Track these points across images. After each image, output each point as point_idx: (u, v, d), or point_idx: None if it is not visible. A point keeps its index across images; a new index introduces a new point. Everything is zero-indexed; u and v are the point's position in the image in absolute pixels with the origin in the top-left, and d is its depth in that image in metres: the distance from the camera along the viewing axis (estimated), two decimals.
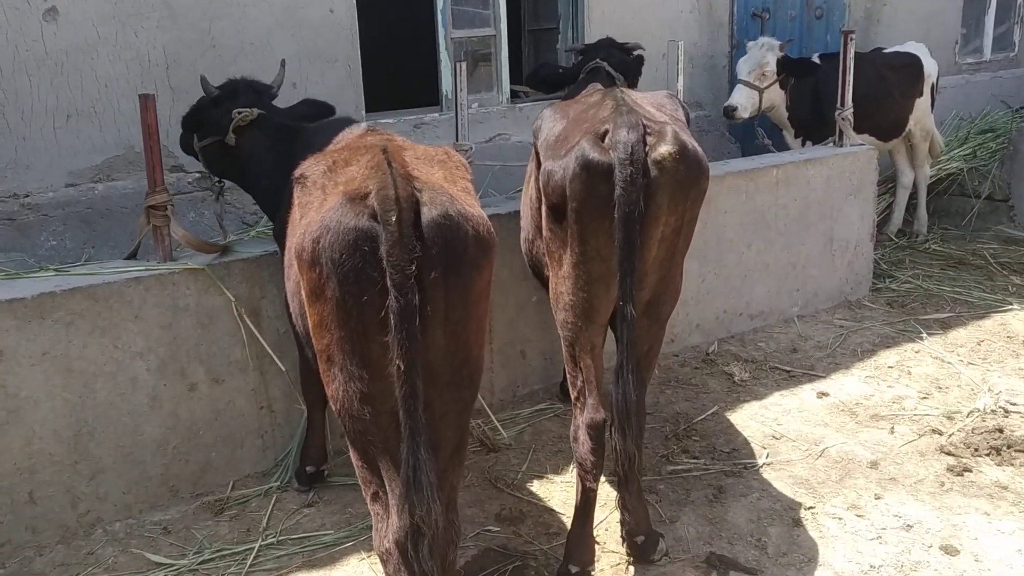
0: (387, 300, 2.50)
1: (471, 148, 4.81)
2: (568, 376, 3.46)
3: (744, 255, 5.88)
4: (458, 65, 4.62)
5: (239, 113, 4.15)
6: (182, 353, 4.06)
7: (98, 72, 4.98)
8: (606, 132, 3.16)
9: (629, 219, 3.02)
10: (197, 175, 5.30)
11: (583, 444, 3.33)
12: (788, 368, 5.48)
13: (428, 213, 2.60)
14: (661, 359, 5.57)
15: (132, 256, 4.19)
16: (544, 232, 3.43)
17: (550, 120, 3.54)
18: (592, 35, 6.80)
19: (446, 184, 2.80)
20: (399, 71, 8.50)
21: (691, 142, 3.24)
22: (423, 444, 2.57)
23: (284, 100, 5.40)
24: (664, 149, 3.12)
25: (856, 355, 5.64)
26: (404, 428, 2.55)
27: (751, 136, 7.45)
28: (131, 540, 3.90)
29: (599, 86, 3.70)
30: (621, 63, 5.28)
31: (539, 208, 3.50)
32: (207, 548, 3.82)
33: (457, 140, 4.81)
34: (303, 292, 2.75)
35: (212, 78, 5.25)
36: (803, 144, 7.10)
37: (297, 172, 2.96)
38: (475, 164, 5.00)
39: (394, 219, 2.52)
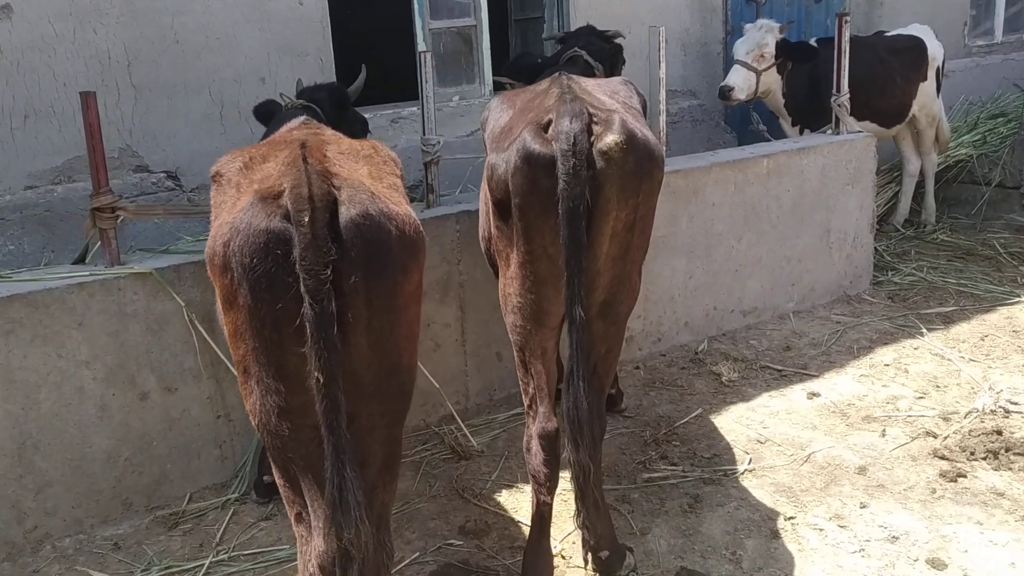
0: (302, 308, 2.32)
1: (438, 142, 4.61)
2: (520, 383, 3.26)
3: (735, 249, 5.65)
4: (422, 56, 4.42)
5: None
6: (131, 361, 3.90)
7: (56, 71, 4.83)
8: (549, 122, 2.95)
9: (574, 215, 2.82)
10: (162, 174, 5.15)
11: (535, 455, 3.13)
12: (780, 367, 5.25)
13: (346, 212, 2.41)
14: (648, 359, 5.39)
15: (80, 260, 4.04)
16: (492, 230, 3.23)
17: (497, 110, 3.34)
18: (577, 22, 6.57)
19: (371, 181, 2.61)
20: (382, 64, 8.29)
21: (642, 130, 3.02)
22: (348, 461, 2.38)
23: (253, 95, 5.28)
24: (610, 139, 2.90)
25: (852, 352, 5.39)
26: (327, 444, 2.37)
27: (748, 124, 7.19)
28: (79, 557, 3.75)
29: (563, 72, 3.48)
30: (599, 51, 5.07)
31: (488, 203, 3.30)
32: (156, 565, 3.66)
33: (424, 134, 4.62)
34: (218, 299, 2.57)
35: (177, 74, 5.14)
36: (801, 133, 6.84)
37: (213, 169, 2.77)
38: (446, 159, 4.83)
39: (307, 219, 2.33)
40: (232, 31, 5.28)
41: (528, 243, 3.01)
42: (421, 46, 6.01)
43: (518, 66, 5.28)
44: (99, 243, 3.94)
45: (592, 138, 2.89)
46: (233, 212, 2.47)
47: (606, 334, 3.20)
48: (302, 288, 2.30)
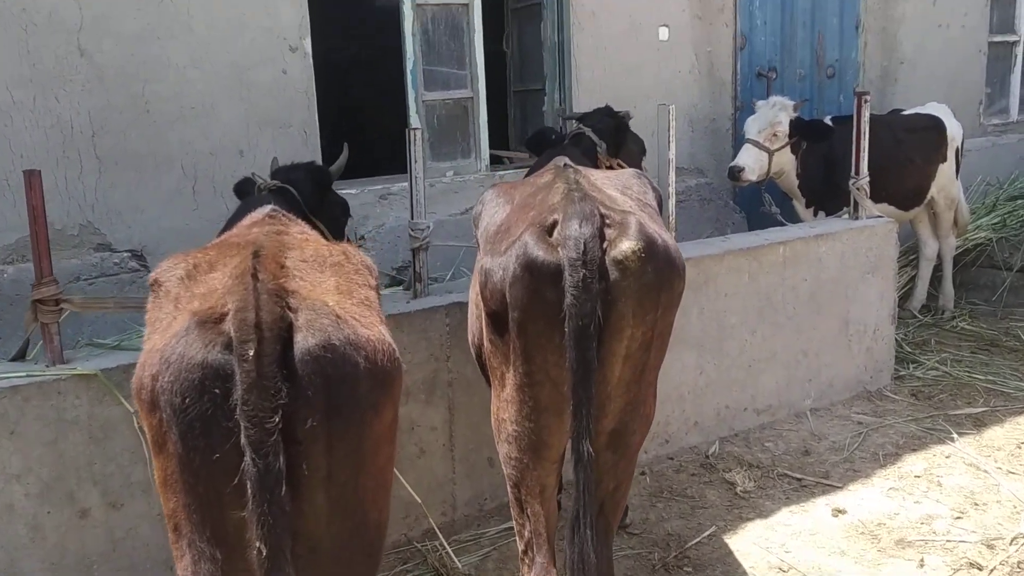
0: (243, 462, 1.87)
1: (428, 227, 4.19)
2: (514, 523, 2.78)
3: (748, 343, 5.21)
4: (411, 133, 4.02)
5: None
6: (70, 474, 3.42)
7: (12, 141, 4.42)
8: (555, 223, 2.52)
9: (583, 334, 2.38)
10: (126, 254, 4.72)
11: None
12: (799, 476, 4.77)
13: (303, 342, 1.96)
14: (654, 464, 4.92)
15: (20, 356, 3.59)
16: (484, 343, 2.78)
17: (492, 205, 2.92)
18: (580, 97, 6.26)
19: (338, 297, 2.17)
20: (372, 137, 7.96)
21: (662, 235, 2.60)
22: None
23: (230, 169, 4.89)
24: (627, 246, 2.47)
25: (877, 460, 4.91)
26: None
27: (758, 204, 6.81)
28: None
29: (565, 160, 3.07)
30: (604, 128, 4.70)
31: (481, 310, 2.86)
32: None
33: (412, 218, 4.20)
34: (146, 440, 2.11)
35: (146, 145, 4.74)
36: (815, 215, 6.47)
37: (152, 276, 2.33)
38: (435, 245, 4.42)
39: (251, 353, 1.88)
40: (209, 101, 4.90)
41: (528, 364, 2.56)
42: (414, 120, 5.64)
43: (536, 140, 4.90)
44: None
45: (605, 244, 2.46)
46: (166, 336, 2.02)
47: (615, 468, 2.74)
48: (243, 439, 1.85)
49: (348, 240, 4.19)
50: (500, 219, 2.79)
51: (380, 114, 8.27)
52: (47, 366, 3.47)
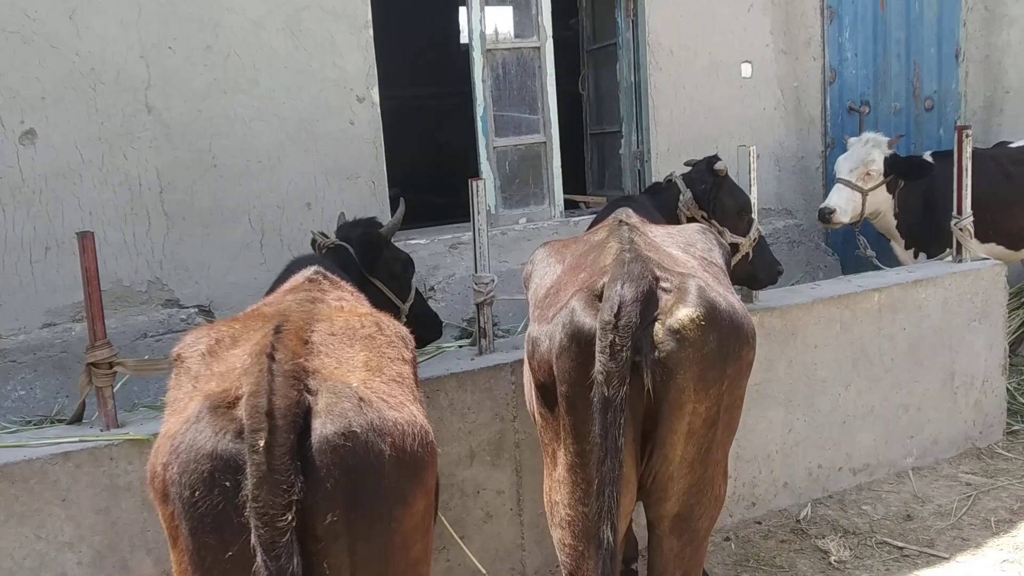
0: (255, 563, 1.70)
1: (492, 280, 4.02)
2: None
3: (841, 397, 4.85)
4: (473, 184, 3.87)
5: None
6: (123, 542, 3.33)
7: (81, 199, 4.46)
8: (604, 287, 2.30)
9: (608, 405, 2.16)
10: (193, 309, 4.69)
11: None
12: (900, 544, 4.37)
13: (321, 429, 1.80)
14: (740, 528, 4.60)
15: (76, 420, 3.54)
16: (536, 418, 2.57)
17: (542, 265, 2.72)
18: (658, 138, 6.04)
19: (365, 375, 1.99)
20: (445, 184, 7.89)
21: (727, 297, 2.36)
22: None
23: (297, 222, 4.84)
24: (684, 313, 2.24)
25: (988, 527, 4.48)
26: None
27: (853, 247, 6.43)
28: None
29: (626, 211, 2.86)
30: (693, 174, 4.47)
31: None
32: None
33: (476, 271, 4.04)
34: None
35: (213, 200, 4.73)
36: (915, 257, 6.07)
37: (175, 351, 2.20)
38: (501, 299, 4.24)
39: (262, 444, 1.72)
40: (276, 153, 4.87)
41: (579, 442, 2.35)
42: (484, 167, 5.51)
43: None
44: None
45: (658, 312, 2.23)
46: (179, 420, 1.88)
47: (682, 555, 2.48)
48: (253, 539, 1.68)
49: (418, 293, 4.05)
50: (550, 281, 2.59)
51: (462, 158, 8.22)
52: (101, 430, 3.41)
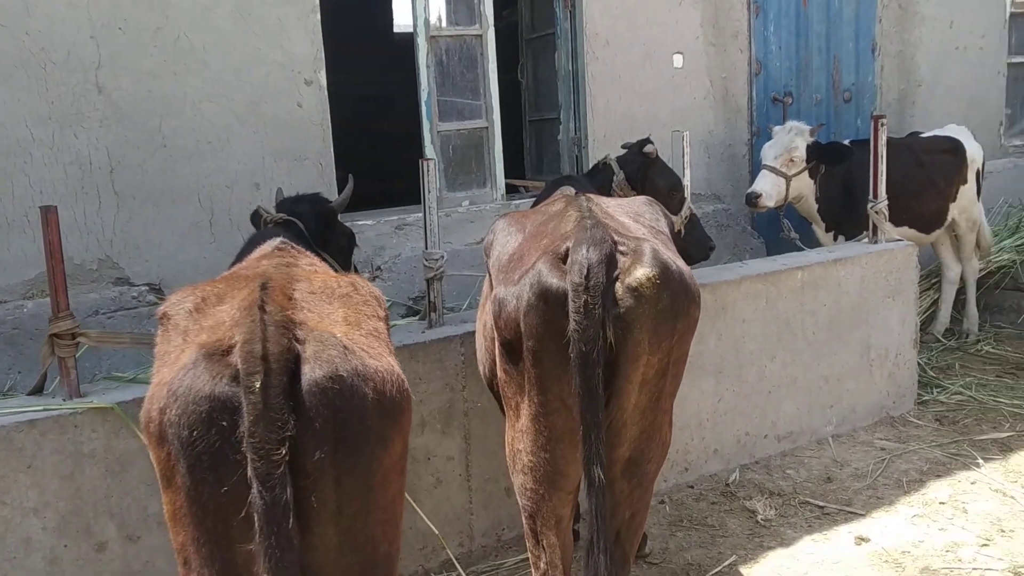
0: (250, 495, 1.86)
1: (442, 256, 4.20)
2: (529, 555, 2.75)
3: (767, 369, 5.16)
4: (424, 164, 4.04)
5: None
6: (87, 507, 3.42)
7: (31, 177, 4.48)
8: (568, 251, 2.52)
9: (587, 360, 2.37)
10: (144, 287, 4.75)
11: None
12: (821, 503, 4.69)
13: (311, 373, 1.96)
14: (674, 492, 4.86)
15: (37, 391, 3.60)
16: (499, 373, 2.77)
17: (504, 234, 2.91)
18: (595, 125, 6.27)
19: (346, 328, 2.17)
20: (390, 167, 8.02)
21: (676, 262, 2.59)
22: None
23: (246, 202, 4.93)
24: (641, 273, 2.46)
25: (901, 486, 4.83)
26: None
27: (777, 230, 6.78)
28: None
29: (571, 189, 3.07)
30: (626, 158, 4.70)
31: (493, 339, 2.85)
32: None
33: (427, 248, 4.21)
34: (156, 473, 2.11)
35: (163, 180, 4.80)
36: (835, 239, 6.42)
37: (160, 310, 2.34)
38: (450, 275, 4.42)
39: (258, 385, 1.88)
40: (225, 134, 4.95)
41: (543, 393, 2.55)
42: (429, 151, 5.67)
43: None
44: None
45: (617, 271, 2.45)
46: (174, 369, 2.02)
47: (631, 496, 2.71)
48: (250, 471, 1.84)
49: (355, 270, 4.20)
50: (512, 248, 2.79)
51: (403, 144, 8.33)
52: (64, 400, 3.48)
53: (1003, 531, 4.32)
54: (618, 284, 2.46)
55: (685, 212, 4.47)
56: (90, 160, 4.61)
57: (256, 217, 3.84)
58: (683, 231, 4.37)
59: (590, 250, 2.43)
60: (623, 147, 4.89)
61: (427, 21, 5.68)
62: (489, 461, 4.29)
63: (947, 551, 4.16)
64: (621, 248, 2.53)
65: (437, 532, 3.90)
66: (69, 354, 3.48)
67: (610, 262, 2.45)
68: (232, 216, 4.95)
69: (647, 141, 4.73)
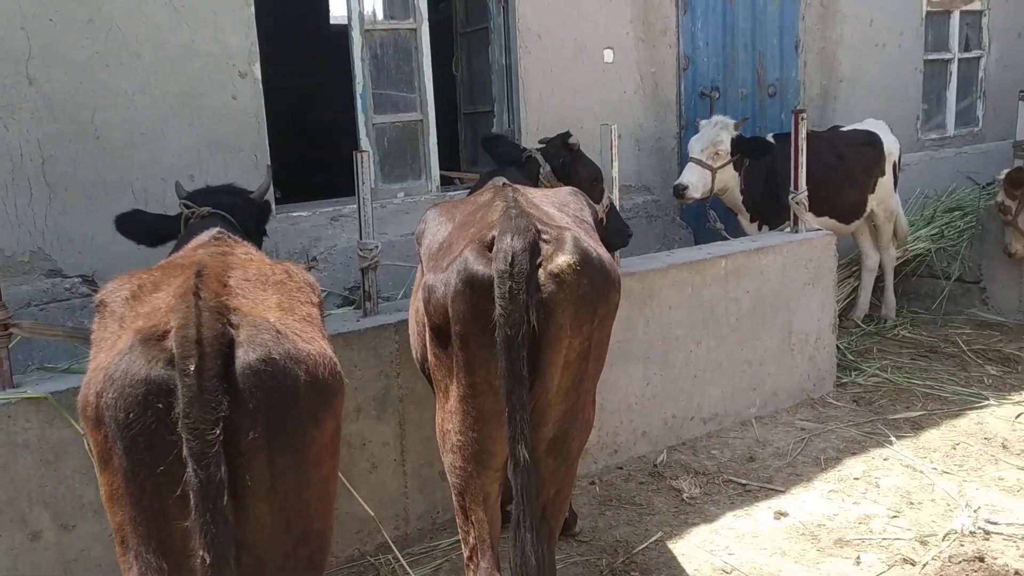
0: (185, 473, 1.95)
1: (376, 247, 4.29)
2: (459, 531, 2.87)
3: (693, 353, 5.36)
4: (358, 156, 4.12)
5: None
6: (21, 497, 3.45)
7: None
8: (493, 239, 2.64)
9: (512, 344, 2.50)
10: (77, 279, 4.75)
11: None
12: (743, 481, 4.91)
13: (244, 356, 2.05)
14: (604, 473, 5.03)
15: None
16: (429, 356, 2.89)
17: (434, 224, 3.03)
18: (528, 118, 6.40)
19: (279, 314, 2.26)
20: (326, 159, 8.04)
21: (596, 249, 2.73)
22: None
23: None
24: (562, 259, 2.60)
25: (819, 464, 5.07)
26: None
27: (704, 220, 6.99)
28: None
29: (502, 180, 3.20)
30: (553, 152, 4.82)
31: (424, 324, 2.96)
32: None
33: (361, 238, 4.30)
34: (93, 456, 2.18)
35: (96, 172, 4.79)
36: (759, 229, 6.65)
37: (97, 297, 2.40)
38: (385, 265, 4.51)
39: (192, 368, 1.97)
40: (159, 127, 4.96)
41: (470, 375, 2.67)
42: (364, 143, 5.74)
43: (497, 148, 4.85)
44: None
45: (540, 258, 2.58)
46: (110, 354, 2.10)
47: (556, 474, 2.85)
48: (184, 451, 1.93)
49: (265, 234, 4.17)
50: (442, 237, 2.90)
51: (338, 136, 8.35)
52: None
53: (911, 503, 4.58)
54: (541, 271, 2.58)
55: (606, 202, 4.62)
56: (21, 152, 4.58)
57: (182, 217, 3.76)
58: (604, 219, 4.52)
59: (514, 238, 2.56)
60: (541, 142, 5.01)
61: (362, 14, 5.74)
62: (424, 446, 4.39)
63: (859, 523, 4.40)
64: (544, 236, 2.66)
65: (373, 515, 4.00)
66: (2, 345, 3.49)
67: (533, 250, 2.58)
68: (167, 208, 4.89)
69: (568, 134, 4.88)
